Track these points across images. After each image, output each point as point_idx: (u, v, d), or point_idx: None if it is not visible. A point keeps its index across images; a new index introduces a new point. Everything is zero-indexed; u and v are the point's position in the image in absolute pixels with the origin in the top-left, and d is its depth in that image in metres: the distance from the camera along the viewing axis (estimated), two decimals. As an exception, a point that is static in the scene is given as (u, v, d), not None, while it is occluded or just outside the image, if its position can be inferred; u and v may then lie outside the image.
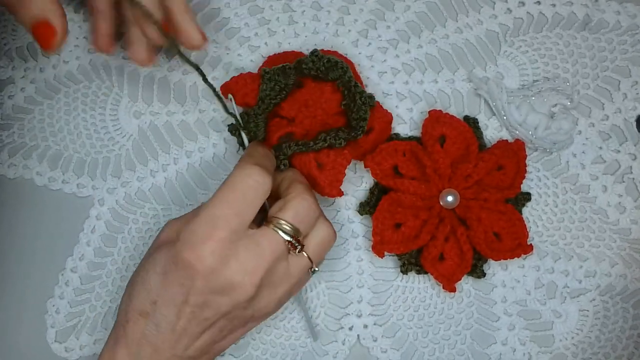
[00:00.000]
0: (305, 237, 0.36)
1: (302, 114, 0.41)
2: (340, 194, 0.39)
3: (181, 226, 0.34)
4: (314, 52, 0.40)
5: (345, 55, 0.43)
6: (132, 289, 0.34)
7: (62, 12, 0.33)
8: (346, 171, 0.39)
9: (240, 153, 0.44)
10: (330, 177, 0.39)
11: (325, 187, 0.39)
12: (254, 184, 0.33)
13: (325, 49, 0.41)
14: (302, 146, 0.39)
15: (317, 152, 0.39)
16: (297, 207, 0.34)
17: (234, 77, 0.41)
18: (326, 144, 0.39)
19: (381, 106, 0.41)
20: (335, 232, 0.37)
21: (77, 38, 0.45)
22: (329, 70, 0.39)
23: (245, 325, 0.36)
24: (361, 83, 0.42)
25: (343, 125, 0.40)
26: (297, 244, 0.34)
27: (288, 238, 0.34)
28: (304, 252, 0.35)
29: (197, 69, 0.39)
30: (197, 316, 0.33)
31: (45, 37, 0.33)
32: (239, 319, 0.34)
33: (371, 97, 0.39)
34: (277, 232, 0.34)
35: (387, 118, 0.41)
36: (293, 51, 0.44)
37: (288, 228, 0.34)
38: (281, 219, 0.34)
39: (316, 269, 0.37)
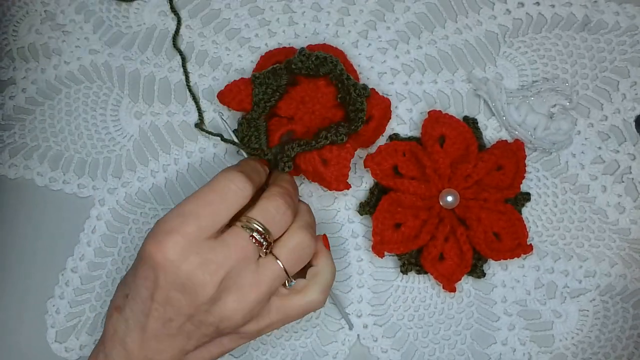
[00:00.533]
0: (278, 241, 0.34)
1: (300, 111, 0.41)
2: (348, 187, 0.39)
3: None
4: (301, 52, 0.40)
5: (334, 47, 0.43)
6: (120, 283, 0.35)
7: None
8: (350, 165, 0.39)
9: (241, 153, 0.44)
10: (336, 172, 0.39)
11: (332, 183, 0.39)
12: (234, 188, 0.33)
13: (312, 44, 0.42)
14: (304, 146, 0.39)
15: (320, 149, 0.39)
16: (266, 206, 0.33)
17: (228, 84, 0.41)
18: (328, 142, 0.39)
19: (377, 92, 0.41)
20: (313, 242, 0.35)
21: (78, 39, 0.45)
22: (319, 67, 0.40)
23: (214, 340, 0.34)
24: (354, 72, 0.42)
25: (342, 117, 0.41)
26: (264, 241, 0.33)
27: (256, 236, 0.32)
28: (274, 257, 0.33)
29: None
30: (162, 315, 0.31)
31: None
32: (205, 326, 0.32)
33: (365, 87, 0.39)
34: (244, 230, 0.32)
35: (385, 103, 0.41)
36: (284, 47, 0.44)
37: (256, 226, 0.33)
38: (250, 217, 0.33)
39: (293, 281, 0.35)
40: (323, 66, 0.40)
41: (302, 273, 0.36)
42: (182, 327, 0.32)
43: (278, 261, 0.33)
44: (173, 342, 0.32)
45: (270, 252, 0.33)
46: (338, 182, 0.39)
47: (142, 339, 0.32)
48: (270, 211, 0.33)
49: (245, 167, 0.35)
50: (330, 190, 0.40)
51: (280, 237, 0.34)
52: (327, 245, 0.38)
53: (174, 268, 0.31)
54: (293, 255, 0.34)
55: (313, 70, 0.40)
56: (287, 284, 0.35)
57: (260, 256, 0.33)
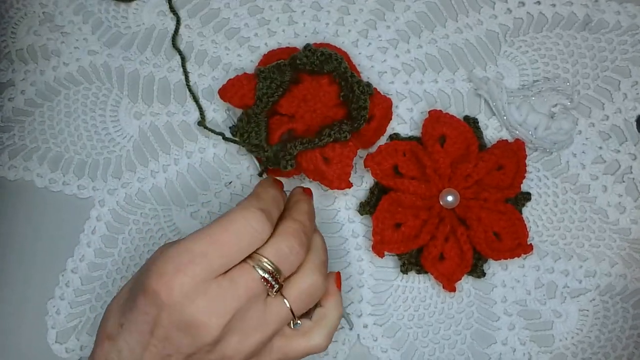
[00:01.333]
0: (288, 280, 0.32)
1: (301, 109, 0.41)
2: (350, 185, 0.39)
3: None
4: (307, 47, 0.40)
5: (337, 47, 0.43)
6: (111, 307, 0.33)
7: None
8: (352, 164, 0.39)
9: (240, 152, 0.44)
10: (338, 171, 0.39)
11: (334, 181, 0.39)
12: (251, 230, 0.31)
13: (315, 43, 0.41)
14: (307, 144, 0.39)
15: (322, 147, 0.39)
16: (280, 245, 0.32)
17: (230, 79, 0.41)
18: (331, 139, 0.38)
19: (379, 92, 0.41)
20: (324, 284, 0.33)
21: (76, 40, 0.45)
22: (324, 63, 0.39)
23: None
24: (357, 72, 0.42)
25: (344, 116, 0.40)
26: (274, 283, 0.31)
27: (266, 275, 0.31)
28: (283, 297, 0.32)
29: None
30: (160, 351, 0.30)
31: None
32: None
33: (369, 85, 0.39)
34: (255, 270, 0.31)
35: (387, 103, 0.41)
36: (287, 47, 0.44)
37: (268, 266, 0.31)
38: (262, 255, 0.31)
39: (298, 322, 0.33)
40: (328, 63, 0.39)
41: (308, 311, 0.35)
42: None
43: (286, 301, 0.32)
44: None
45: (280, 292, 0.32)
46: (340, 181, 0.39)
47: None
48: (284, 250, 0.31)
49: (264, 200, 0.33)
50: (331, 188, 0.40)
51: (291, 275, 0.33)
52: (339, 285, 0.36)
53: (178, 309, 0.29)
54: (303, 297, 0.32)
55: (317, 66, 0.40)
56: (292, 325, 0.33)
57: (268, 295, 0.32)
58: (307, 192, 0.37)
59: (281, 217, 0.34)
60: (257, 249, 0.31)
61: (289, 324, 0.33)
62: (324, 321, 0.34)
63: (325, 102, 0.41)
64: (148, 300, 0.30)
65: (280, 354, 0.33)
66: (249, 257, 0.31)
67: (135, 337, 0.30)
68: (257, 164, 0.42)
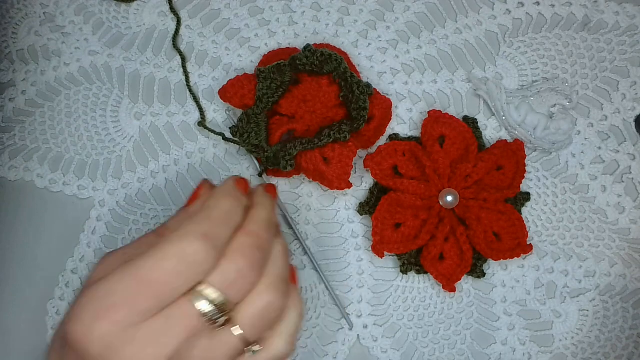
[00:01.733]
0: (240, 304, 0.28)
1: (301, 109, 0.41)
2: (349, 186, 0.39)
3: (117, 262, 0.27)
4: (307, 47, 0.40)
5: (337, 47, 0.43)
6: (53, 338, 0.29)
7: None
8: (352, 164, 0.39)
9: (240, 153, 0.44)
10: (338, 171, 0.39)
11: (333, 181, 0.39)
12: (189, 264, 0.26)
13: (315, 44, 0.42)
14: (307, 144, 0.39)
15: (322, 147, 0.39)
16: (227, 270, 0.27)
17: (230, 80, 0.41)
18: (331, 139, 0.39)
19: (379, 93, 0.41)
20: (284, 300, 0.29)
21: (77, 40, 0.45)
22: (324, 64, 0.40)
23: None
24: (357, 73, 0.42)
25: (343, 117, 0.41)
26: (219, 316, 0.27)
27: (208, 309, 0.26)
28: (232, 325, 0.27)
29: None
30: None
31: None
32: None
33: (368, 85, 0.39)
34: (193, 305, 0.26)
35: (387, 104, 0.41)
36: (287, 48, 0.44)
37: (212, 296, 0.26)
38: (205, 285, 0.26)
39: (253, 349, 0.28)
40: (327, 64, 0.40)
41: None
42: None
43: (236, 330, 0.27)
44: None
45: (229, 320, 0.27)
46: (340, 181, 0.39)
47: None
48: (231, 276, 0.27)
49: (212, 219, 0.28)
50: (331, 189, 0.40)
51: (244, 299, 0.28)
52: (294, 279, 0.32)
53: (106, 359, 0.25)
54: (256, 321, 0.28)
55: (317, 67, 0.40)
56: (249, 351, 0.28)
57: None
58: (270, 191, 0.33)
59: (237, 228, 0.29)
60: (201, 283, 0.27)
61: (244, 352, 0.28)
62: (281, 326, 0.30)
63: (324, 102, 0.41)
64: (72, 350, 0.26)
65: None
66: (191, 290, 0.27)
67: None
68: (257, 165, 0.42)
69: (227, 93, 0.41)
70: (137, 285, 0.25)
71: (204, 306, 0.26)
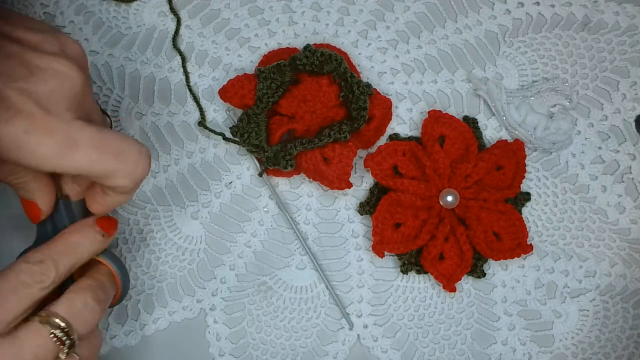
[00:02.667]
0: (82, 341, 0.29)
1: (301, 109, 0.41)
2: (350, 186, 0.39)
3: None
4: (307, 47, 0.40)
5: (337, 47, 0.43)
6: None
7: (50, 192, 0.33)
8: (352, 164, 0.39)
9: (240, 153, 0.44)
10: (338, 171, 0.39)
11: (333, 181, 0.39)
12: (31, 279, 0.28)
13: (315, 44, 0.42)
14: (307, 144, 0.39)
15: (322, 147, 0.39)
16: (73, 300, 0.29)
17: (230, 80, 0.41)
18: (331, 139, 0.39)
19: (379, 93, 0.41)
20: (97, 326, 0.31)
21: (78, 40, 0.45)
22: (324, 64, 0.40)
23: None
24: (357, 73, 0.42)
25: (343, 117, 0.41)
26: (66, 339, 0.28)
27: (56, 332, 0.28)
28: (75, 355, 0.29)
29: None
30: None
31: (32, 214, 0.33)
32: None
33: (368, 85, 0.39)
34: (43, 326, 0.27)
35: (387, 104, 0.41)
36: (287, 47, 0.44)
37: (58, 322, 0.28)
38: (51, 311, 0.28)
39: None
40: (327, 64, 0.40)
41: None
42: None
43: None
44: None
45: (73, 351, 0.29)
46: (340, 181, 0.39)
47: None
48: (77, 306, 0.29)
49: (52, 246, 0.30)
50: (331, 189, 0.40)
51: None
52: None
53: None
54: (95, 352, 0.30)
55: (317, 67, 0.40)
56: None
57: (58, 357, 0.28)
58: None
59: (80, 274, 0.31)
60: (48, 307, 0.28)
61: None
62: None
63: (324, 102, 0.41)
64: None
65: None
66: (37, 314, 0.28)
67: None
68: (257, 164, 0.42)
69: (227, 93, 0.41)
70: None
71: (53, 329, 0.27)
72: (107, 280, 0.32)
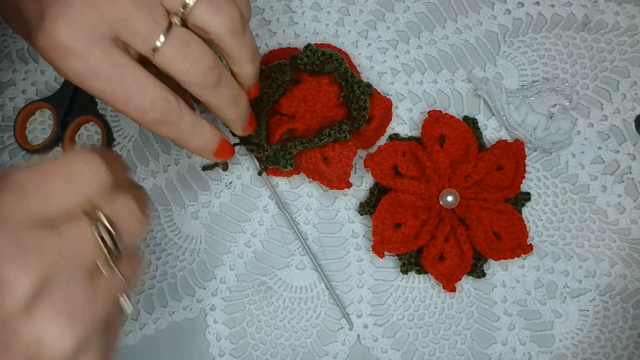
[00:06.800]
0: (123, 260, 0.26)
1: (301, 109, 0.41)
2: (349, 185, 0.39)
3: None
4: (308, 47, 0.40)
5: (338, 48, 0.43)
6: None
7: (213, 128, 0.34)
8: (352, 163, 0.39)
9: (240, 152, 0.44)
10: (338, 170, 0.39)
11: (333, 181, 0.39)
12: (89, 172, 0.24)
13: (316, 44, 0.42)
14: (307, 143, 0.39)
15: (322, 147, 0.39)
16: (119, 206, 0.26)
17: None
18: (331, 139, 0.39)
19: (379, 93, 0.41)
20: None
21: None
22: (325, 64, 0.40)
23: None
24: (357, 73, 0.42)
25: (344, 117, 0.41)
26: (113, 247, 0.25)
27: (104, 235, 0.24)
28: (116, 267, 0.25)
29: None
30: None
31: (226, 152, 0.35)
32: (10, 354, 0.21)
33: (369, 85, 0.39)
34: (90, 225, 0.24)
35: (387, 104, 0.41)
36: (288, 47, 0.44)
37: (104, 221, 0.24)
38: (101, 212, 0.24)
39: (129, 303, 0.26)
40: (328, 63, 0.40)
41: None
42: None
43: (119, 273, 0.25)
44: None
45: (113, 261, 0.25)
46: (340, 181, 0.39)
47: None
48: (122, 212, 0.25)
49: (108, 155, 0.26)
50: (331, 188, 0.40)
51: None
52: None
53: None
54: (135, 271, 0.26)
55: (318, 66, 0.40)
56: (126, 304, 0.26)
57: (99, 267, 0.24)
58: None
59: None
60: (95, 207, 0.25)
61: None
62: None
63: (325, 102, 0.41)
64: None
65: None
66: (85, 213, 0.24)
67: None
68: (257, 163, 0.42)
69: None
70: (34, 180, 0.23)
71: (100, 230, 0.24)
72: (147, 199, 0.28)
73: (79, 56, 0.29)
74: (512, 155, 0.41)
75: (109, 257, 0.24)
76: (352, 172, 0.39)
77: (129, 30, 0.29)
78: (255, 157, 0.42)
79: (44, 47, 0.29)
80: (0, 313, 0.21)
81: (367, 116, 0.39)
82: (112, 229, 0.24)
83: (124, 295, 0.26)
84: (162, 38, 0.30)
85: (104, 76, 0.29)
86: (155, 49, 0.30)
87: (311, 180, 0.43)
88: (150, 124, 0.31)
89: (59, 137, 0.43)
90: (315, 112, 0.41)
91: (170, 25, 0.30)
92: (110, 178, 0.25)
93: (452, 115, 0.42)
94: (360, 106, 0.39)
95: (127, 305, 0.26)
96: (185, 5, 0.30)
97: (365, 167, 0.41)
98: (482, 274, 0.41)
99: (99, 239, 0.24)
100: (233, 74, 0.35)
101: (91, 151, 0.25)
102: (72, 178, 0.24)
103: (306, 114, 0.41)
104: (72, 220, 0.24)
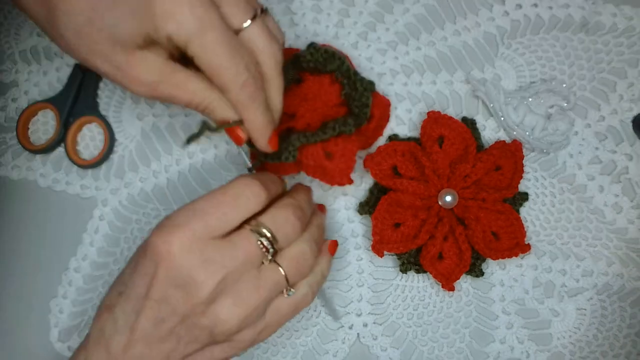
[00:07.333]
0: (282, 250, 0.33)
1: (302, 108, 0.41)
2: (351, 181, 0.39)
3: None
4: (311, 45, 0.40)
5: (337, 48, 0.43)
6: (113, 282, 0.33)
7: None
8: (355, 158, 0.39)
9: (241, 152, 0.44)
10: (341, 165, 0.38)
11: (335, 176, 0.38)
12: (250, 194, 0.32)
13: (319, 42, 0.42)
14: (311, 137, 0.38)
15: (325, 142, 0.39)
16: (276, 214, 0.33)
17: None
18: (336, 132, 0.38)
19: (378, 92, 0.42)
20: (313, 256, 0.35)
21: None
22: (327, 62, 0.40)
23: (204, 349, 0.32)
24: None
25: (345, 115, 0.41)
26: (271, 248, 0.32)
27: (264, 241, 0.32)
28: (277, 264, 0.33)
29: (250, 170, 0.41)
30: (155, 314, 0.30)
31: (236, 138, 0.36)
32: (198, 329, 0.31)
33: (371, 82, 0.39)
34: (253, 234, 0.32)
35: (386, 103, 0.41)
36: (289, 48, 0.44)
37: (265, 232, 0.32)
38: (260, 222, 0.32)
39: (292, 290, 0.34)
40: (331, 62, 0.40)
41: None
42: (173, 330, 0.31)
43: (280, 269, 0.33)
44: (161, 347, 0.31)
45: (274, 260, 0.33)
46: (342, 176, 0.39)
47: (129, 341, 0.30)
48: (280, 220, 0.33)
49: (262, 177, 0.34)
50: (332, 185, 0.40)
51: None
52: (333, 250, 0.38)
53: (175, 262, 0.30)
54: (294, 263, 0.33)
55: (321, 64, 0.40)
56: (286, 293, 0.34)
57: (262, 263, 0.32)
58: (308, 189, 0.38)
59: (280, 197, 0.35)
60: (256, 217, 0.32)
61: (282, 293, 0.34)
62: (310, 276, 0.35)
63: (325, 101, 0.41)
64: (147, 257, 0.30)
65: (272, 314, 0.34)
66: (247, 223, 0.32)
67: (131, 303, 0.31)
68: (247, 160, 0.41)
69: None
70: (210, 205, 0.31)
71: (260, 238, 0.32)
72: (306, 201, 0.36)
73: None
74: (510, 156, 0.41)
75: (269, 257, 0.32)
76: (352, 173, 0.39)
77: None
78: (250, 152, 0.42)
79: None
80: (191, 305, 0.30)
81: (369, 113, 0.39)
82: (270, 235, 0.32)
83: (287, 283, 0.33)
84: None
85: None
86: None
87: (311, 179, 0.43)
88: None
89: (62, 138, 0.44)
90: (315, 111, 0.41)
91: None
92: (266, 195, 0.32)
93: (450, 116, 0.42)
94: (363, 103, 0.39)
95: (287, 292, 0.34)
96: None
97: (364, 167, 0.42)
98: (481, 273, 0.42)
99: (260, 245, 0.32)
100: None
101: (249, 176, 0.33)
102: (239, 200, 0.32)
103: (307, 113, 0.41)
104: (240, 232, 0.31)
